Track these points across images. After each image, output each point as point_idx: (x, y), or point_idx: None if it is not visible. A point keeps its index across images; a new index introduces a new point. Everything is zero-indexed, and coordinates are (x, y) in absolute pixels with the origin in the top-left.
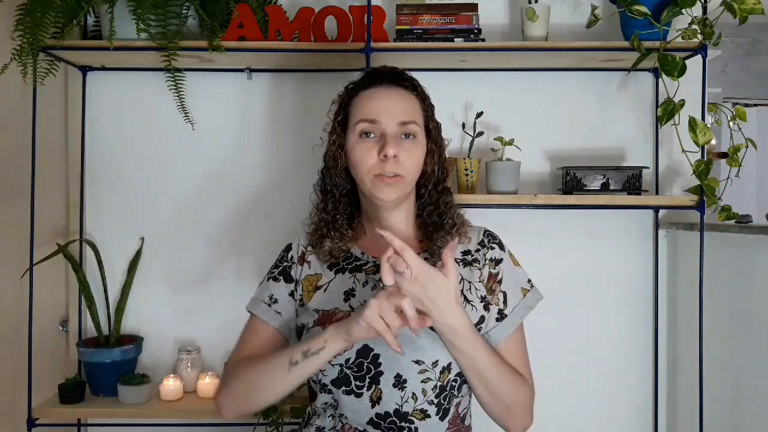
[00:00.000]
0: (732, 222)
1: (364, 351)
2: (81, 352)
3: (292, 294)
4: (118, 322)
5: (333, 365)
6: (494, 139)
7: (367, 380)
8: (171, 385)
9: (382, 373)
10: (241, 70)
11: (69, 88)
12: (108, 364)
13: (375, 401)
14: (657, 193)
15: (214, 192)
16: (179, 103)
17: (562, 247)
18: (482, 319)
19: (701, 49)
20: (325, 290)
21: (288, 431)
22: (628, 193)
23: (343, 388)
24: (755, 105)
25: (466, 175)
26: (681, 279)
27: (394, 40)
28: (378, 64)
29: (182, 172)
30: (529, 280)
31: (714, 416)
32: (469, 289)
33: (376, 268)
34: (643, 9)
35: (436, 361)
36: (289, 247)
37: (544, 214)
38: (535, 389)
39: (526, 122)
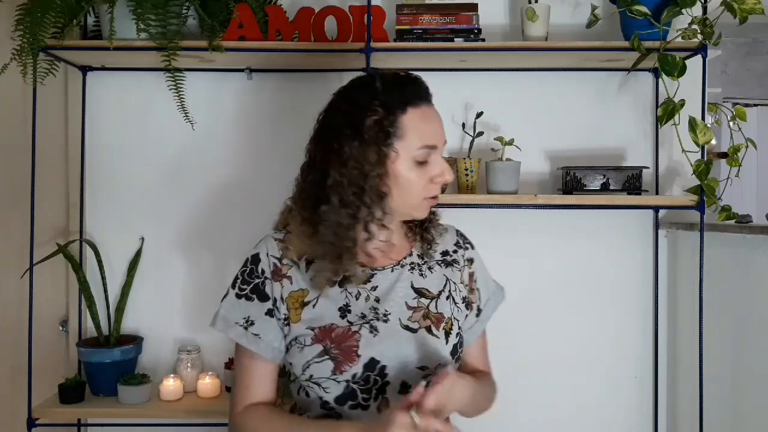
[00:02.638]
0: (732, 222)
1: (371, 364)
2: (81, 352)
3: (270, 312)
4: (118, 322)
5: (339, 382)
6: (494, 139)
7: (374, 392)
8: (171, 385)
9: (388, 383)
10: (241, 70)
11: (69, 88)
12: (108, 364)
13: (381, 410)
14: (657, 193)
15: (214, 192)
16: (179, 103)
17: (562, 247)
18: (465, 318)
19: (701, 49)
20: (314, 306)
21: None
22: (628, 193)
23: (349, 403)
24: (755, 105)
25: (466, 175)
26: (681, 279)
27: (394, 40)
28: (378, 64)
29: (182, 172)
30: (492, 279)
31: (714, 416)
32: (455, 290)
33: (367, 278)
34: (643, 9)
35: (439, 365)
36: (256, 259)
37: (544, 214)
38: (536, 388)
39: (526, 122)
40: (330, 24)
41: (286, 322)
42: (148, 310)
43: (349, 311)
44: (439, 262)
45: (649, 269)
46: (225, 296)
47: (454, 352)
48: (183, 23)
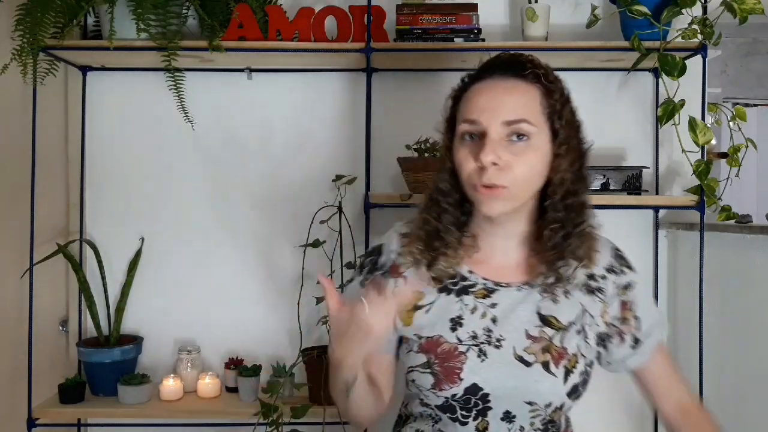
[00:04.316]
0: (732, 222)
1: (473, 389)
2: (81, 352)
3: None
4: (118, 322)
5: (438, 396)
6: None
7: (474, 412)
8: (171, 385)
9: (490, 408)
10: (241, 70)
11: (69, 88)
12: (108, 364)
13: (481, 430)
14: (657, 193)
15: (214, 192)
16: (179, 103)
17: None
18: (598, 356)
19: (701, 49)
20: (427, 311)
21: (288, 431)
22: (628, 193)
23: (448, 414)
24: (755, 105)
25: None
26: (681, 279)
27: (394, 40)
28: (378, 64)
29: (182, 172)
30: (657, 309)
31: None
32: (590, 323)
33: (487, 292)
34: (643, 9)
35: (549, 403)
36: (378, 251)
37: None
38: None
39: None
40: (330, 24)
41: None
42: (148, 310)
43: (461, 325)
44: (580, 287)
45: (649, 269)
46: (350, 281)
47: (574, 392)
48: (183, 23)
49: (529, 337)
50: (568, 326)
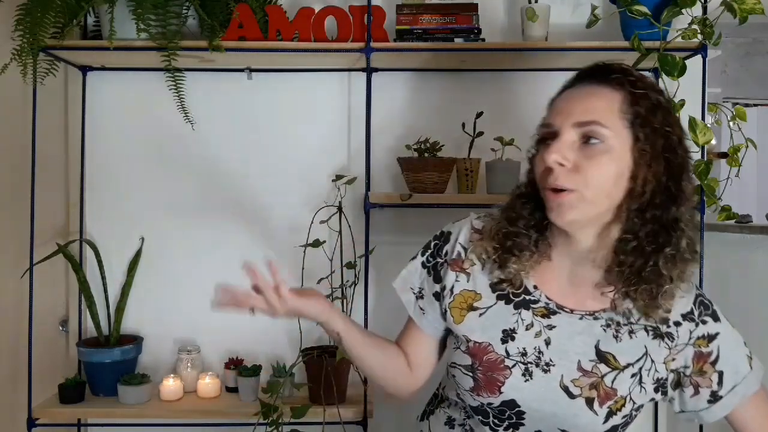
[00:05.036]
0: (732, 222)
1: (510, 404)
2: (81, 352)
3: (437, 296)
4: (118, 322)
5: (474, 399)
6: (494, 139)
7: (507, 423)
8: (171, 385)
9: (523, 425)
10: (241, 70)
11: (69, 88)
12: (108, 364)
13: None
14: None
15: (214, 192)
16: (179, 103)
17: None
18: (651, 399)
19: (701, 49)
20: (481, 315)
21: (288, 431)
22: None
23: (480, 417)
24: (755, 105)
25: (466, 175)
26: None
27: (394, 40)
28: (378, 64)
29: (182, 172)
30: (744, 343)
31: None
32: (649, 368)
33: (547, 312)
34: (643, 9)
35: None
36: (446, 238)
37: None
38: None
39: (527, 122)
40: (330, 24)
41: (445, 312)
42: (148, 310)
43: (513, 339)
44: (648, 329)
45: None
46: (414, 258)
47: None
48: (183, 23)
49: (580, 369)
50: (624, 367)
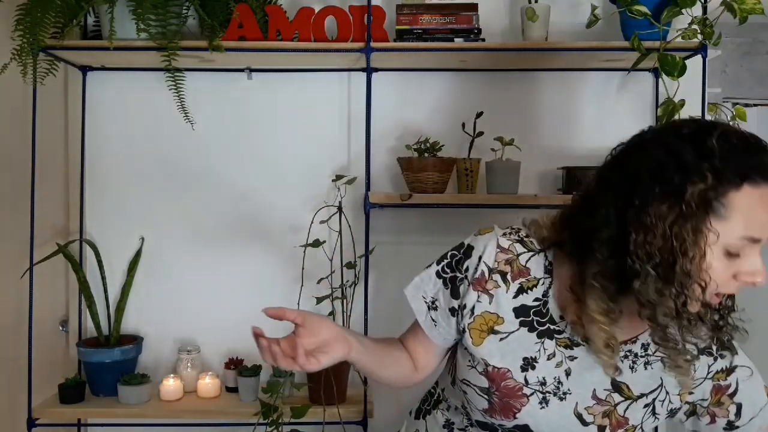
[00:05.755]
0: None
1: (523, 428)
2: (81, 352)
3: (453, 312)
4: (118, 322)
5: (485, 417)
6: (494, 139)
7: None
8: (171, 385)
9: None
10: (241, 70)
11: (69, 88)
12: (108, 364)
13: None
14: None
15: (214, 192)
16: (179, 103)
17: None
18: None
19: (701, 49)
20: (502, 339)
21: (288, 431)
22: None
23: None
24: (755, 105)
25: (466, 175)
26: None
27: (394, 40)
28: (378, 64)
29: (182, 172)
30: (759, 374)
31: None
32: (663, 398)
33: (571, 343)
34: (643, 9)
35: None
36: (468, 252)
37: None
38: None
39: (526, 122)
40: (330, 24)
41: (463, 331)
42: (148, 310)
43: (533, 368)
44: (665, 361)
45: None
46: (429, 266)
47: None
48: (183, 23)
49: (594, 397)
50: (638, 397)
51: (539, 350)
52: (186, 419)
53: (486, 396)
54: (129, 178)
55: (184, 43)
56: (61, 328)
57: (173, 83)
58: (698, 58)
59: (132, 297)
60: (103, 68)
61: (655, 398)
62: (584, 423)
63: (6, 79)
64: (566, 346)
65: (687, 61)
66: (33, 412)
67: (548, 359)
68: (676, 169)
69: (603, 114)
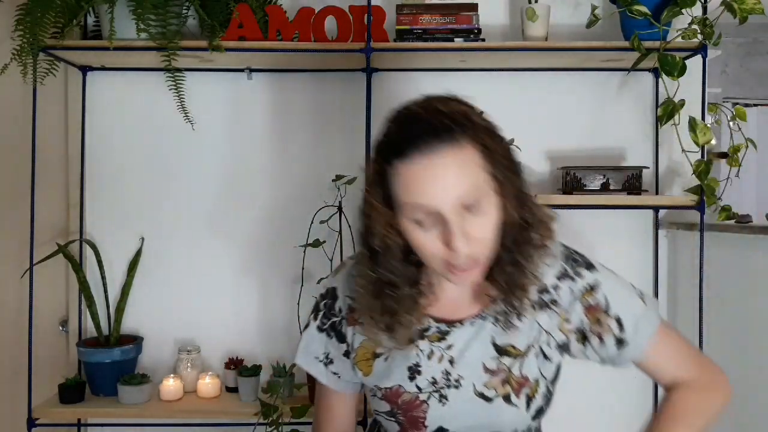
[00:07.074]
0: (732, 222)
1: (439, 431)
2: (81, 352)
3: (347, 354)
4: (118, 322)
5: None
6: None
7: None
8: (171, 385)
9: None
10: (241, 70)
11: (69, 88)
12: (108, 364)
13: None
14: (657, 193)
15: (214, 192)
16: (179, 103)
17: None
18: (559, 368)
19: (701, 49)
20: (386, 359)
21: (288, 431)
22: (628, 193)
23: None
24: (755, 105)
25: None
26: (681, 279)
27: (394, 40)
28: (378, 64)
29: (182, 171)
30: (631, 284)
31: None
32: (546, 341)
33: (441, 335)
34: (643, 9)
35: (515, 429)
36: (333, 294)
37: None
38: None
39: (526, 122)
40: (330, 24)
41: (353, 368)
42: (148, 310)
43: (419, 372)
44: (534, 305)
45: (649, 269)
46: (306, 327)
47: (538, 414)
48: (183, 23)
49: (486, 370)
50: (526, 351)
51: (418, 354)
52: (186, 419)
53: (393, 419)
54: (129, 178)
55: (184, 43)
56: (61, 328)
57: (173, 83)
58: (698, 58)
59: (132, 297)
60: (103, 68)
61: (541, 342)
62: (488, 399)
63: (6, 79)
64: (439, 340)
65: (687, 61)
66: (33, 412)
67: (429, 359)
68: (373, 173)
69: (603, 114)
